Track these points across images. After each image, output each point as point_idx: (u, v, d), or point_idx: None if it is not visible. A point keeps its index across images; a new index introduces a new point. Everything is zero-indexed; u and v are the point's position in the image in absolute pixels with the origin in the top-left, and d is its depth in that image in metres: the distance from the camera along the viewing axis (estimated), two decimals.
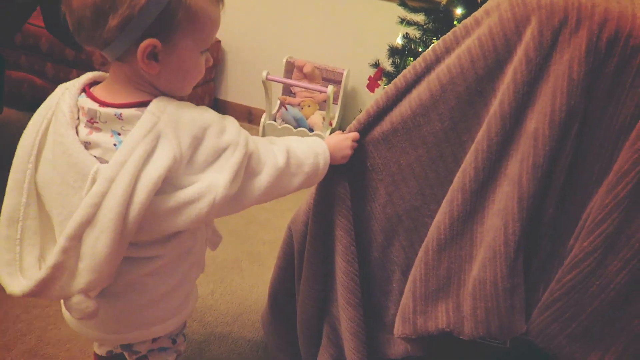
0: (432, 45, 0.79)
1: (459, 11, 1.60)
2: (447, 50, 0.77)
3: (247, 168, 0.67)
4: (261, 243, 1.61)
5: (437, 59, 0.78)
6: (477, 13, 0.76)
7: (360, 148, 0.84)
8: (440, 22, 1.67)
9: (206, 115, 0.64)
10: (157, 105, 0.62)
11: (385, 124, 0.82)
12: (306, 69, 2.22)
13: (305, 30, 2.39)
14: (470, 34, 0.76)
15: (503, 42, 0.71)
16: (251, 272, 1.46)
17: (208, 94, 2.53)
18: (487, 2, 0.77)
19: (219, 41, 2.46)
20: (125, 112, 0.61)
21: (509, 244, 0.70)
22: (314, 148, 0.77)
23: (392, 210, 0.85)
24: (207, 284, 1.37)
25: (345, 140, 0.83)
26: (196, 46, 0.64)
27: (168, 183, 0.61)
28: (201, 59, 0.66)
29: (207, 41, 0.66)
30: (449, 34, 0.78)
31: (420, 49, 1.79)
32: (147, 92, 0.64)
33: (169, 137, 0.60)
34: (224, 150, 0.64)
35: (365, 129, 0.84)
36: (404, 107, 0.81)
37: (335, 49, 2.38)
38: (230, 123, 0.67)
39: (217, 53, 2.45)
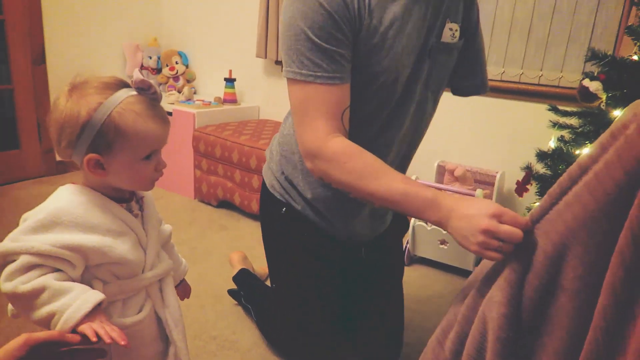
0: (562, 176, 0.78)
1: (616, 113, 1.51)
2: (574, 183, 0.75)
3: None
4: None
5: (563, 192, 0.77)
6: (603, 137, 0.73)
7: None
8: (595, 125, 1.59)
9: None
10: None
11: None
12: (457, 172, 2.26)
13: (457, 134, 2.47)
14: (598, 161, 0.73)
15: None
16: None
17: None
18: (619, 117, 0.73)
19: None
20: None
21: None
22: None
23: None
24: None
25: None
26: (132, 156, 0.80)
27: None
28: (143, 164, 0.82)
29: (141, 152, 0.81)
30: (574, 166, 0.75)
31: (577, 152, 1.70)
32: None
33: None
34: None
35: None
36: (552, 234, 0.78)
37: (488, 152, 2.39)
38: None
39: None
